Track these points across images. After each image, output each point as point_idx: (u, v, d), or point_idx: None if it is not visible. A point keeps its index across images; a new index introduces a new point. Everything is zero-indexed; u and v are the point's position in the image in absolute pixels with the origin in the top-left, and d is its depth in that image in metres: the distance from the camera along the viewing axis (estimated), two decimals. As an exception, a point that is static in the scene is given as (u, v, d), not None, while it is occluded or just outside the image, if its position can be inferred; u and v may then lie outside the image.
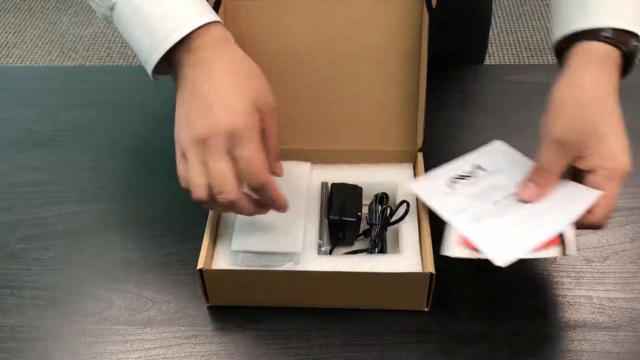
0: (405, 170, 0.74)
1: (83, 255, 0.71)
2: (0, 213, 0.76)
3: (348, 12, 0.69)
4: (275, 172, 0.65)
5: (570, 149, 0.60)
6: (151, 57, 0.60)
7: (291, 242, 0.65)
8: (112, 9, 0.61)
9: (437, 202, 0.66)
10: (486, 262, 0.69)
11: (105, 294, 0.67)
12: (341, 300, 0.65)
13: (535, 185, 0.62)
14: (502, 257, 0.59)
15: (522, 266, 0.68)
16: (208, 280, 0.63)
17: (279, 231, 0.67)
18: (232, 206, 0.59)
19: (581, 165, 0.60)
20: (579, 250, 0.70)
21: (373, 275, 0.62)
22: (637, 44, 0.61)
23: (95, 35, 2.35)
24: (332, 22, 0.69)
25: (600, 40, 0.60)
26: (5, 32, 2.38)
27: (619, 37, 0.60)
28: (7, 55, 2.28)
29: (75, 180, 0.79)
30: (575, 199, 0.62)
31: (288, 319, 0.64)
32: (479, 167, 0.70)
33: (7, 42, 2.33)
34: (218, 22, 0.61)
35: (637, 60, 0.62)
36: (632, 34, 0.60)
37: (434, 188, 0.68)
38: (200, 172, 0.58)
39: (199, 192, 0.58)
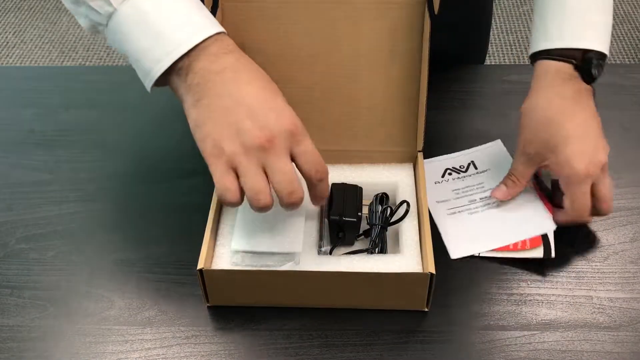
0: (406, 170, 0.74)
1: (83, 255, 0.71)
2: (1, 213, 0.76)
3: (348, 14, 0.69)
4: None
5: (534, 160, 0.70)
6: (159, 64, 0.57)
7: (291, 242, 0.65)
8: (110, 17, 0.59)
9: (427, 188, 0.73)
10: (485, 263, 0.69)
11: (105, 294, 0.67)
12: (341, 300, 0.65)
13: (505, 186, 0.72)
14: (456, 251, 0.70)
15: (521, 267, 0.69)
16: (208, 280, 0.63)
17: (279, 231, 0.67)
18: (297, 204, 0.58)
19: (549, 171, 0.71)
20: (579, 250, 0.70)
21: (373, 275, 0.62)
22: (591, 54, 0.69)
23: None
24: (331, 23, 0.69)
25: (552, 59, 0.70)
26: (5, 32, 2.38)
27: (569, 54, 0.69)
28: (7, 55, 2.28)
29: (75, 180, 0.79)
30: (535, 223, 0.71)
31: (288, 319, 0.64)
32: (473, 164, 0.79)
33: (7, 42, 2.33)
34: (225, 32, 0.60)
35: (598, 66, 0.69)
36: (585, 49, 0.69)
37: (429, 174, 0.76)
38: (263, 178, 0.56)
39: (266, 199, 0.56)
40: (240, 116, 0.56)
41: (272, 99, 0.58)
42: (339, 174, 0.74)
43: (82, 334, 0.64)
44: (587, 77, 0.70)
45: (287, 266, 0.64)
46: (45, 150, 0.83)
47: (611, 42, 2.24)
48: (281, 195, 0.57)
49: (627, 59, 2.16)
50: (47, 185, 0.79)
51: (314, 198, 0.62)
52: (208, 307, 0.66)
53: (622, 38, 2.24)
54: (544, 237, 0.70)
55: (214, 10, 0.67)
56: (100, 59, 2.26)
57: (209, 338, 0.64)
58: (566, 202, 0.68)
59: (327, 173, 0.60)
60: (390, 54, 0.70)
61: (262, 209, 0.57)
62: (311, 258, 0.65)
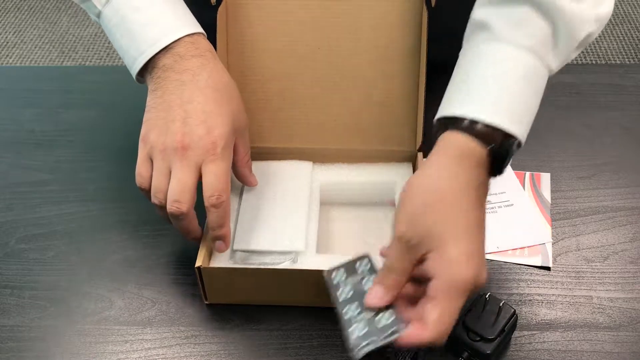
0: (405, 169, 0.74)
1: (83, 255, 0.71)
2: (0, 213, 0.76)
3: (348, 12, 0.69)
4: (250, 182, 0.70)
5: (415, 249, 0.51)
6: (135, 63, 0.62)
7: (293, 240, 0.66)
8: (99, 16, 0.64)
9: None
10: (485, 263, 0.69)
11: (105, 294, 0.67)
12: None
13: (382, 286, 0.53)
14: None
15: (521, 266, 0.69)
16: (206, 278, 0.63)
17: (281, 230, 0.67)
18: (180, 218, 0.60)
19: (423, 267, 0.51)
20: (579, 250, 0.70)
21: (373, 275, 0.62)
22: (511, 141, 0.53)
23: (95, 35, 2.35)
24: (332, 21, 0.69)
25: (465, 132, 0.53)
26: (5, 32, 2.38)
27: (486, 132, 0.53)
28: (7, 55, 2.28)
29: (75, 180, 0.79)
30: (533, 233, 0.70)
31: (288, 318, 0.64)
32: None
33: (7, 42, 2.33)
34: (202, 33, 0.64)
35: (509, 159, 0.55)
36: (504, 132, 0.53)
37: None
38: (165, 177, 0.60)
39: (159, 196, 0.60)
40: (175, 116, 0.60)
41: (214, 112, 0.60)
42: (338, 173, 0.74)
43: (82, 334, 0.64)
44: (497, 169, 0.54)
45: (285, 265, 0.64)
46: (45, 150, 0.83)
47: (611, 42, 2.24)
48: (167, 201, 0.59)
49: (627, 59, 2.15)
50: (47, 185, 0.79)
51: (209, 228, 0.62)
52: (208, 307, 0.66)
53: (622, 38, 2.24)
54: (543, 246, 0.70)
55: (217, 5, 0.68)
56: (100, 59, 2.26)
57: (209, 338, 0.64)
58: (432, 313, 0.49)
59: (224, 203, 0.60)
60: (389, 51, 0.70)
61: (156, 206, 0.61)
62: (310, 256, 0.65)
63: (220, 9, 0.68)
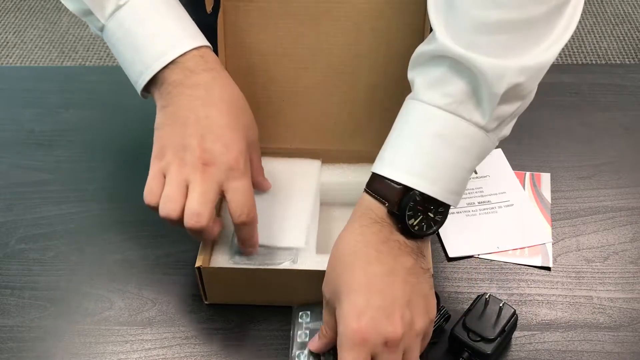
0: (405, 170, 0.74)
1: (83, 255, 0.71)
2: (0, 213, 0.76)
3: (349, 14, 0.69)
4: (264, 187, 0.69)
5: (330, 304, 0.55)
6: (141, 77, 0.61)
7: (294, 237, 0.66)
8: (102, 30, 0.63)
9: None
10: (485, 263, 0.69)
11: (105, 294, 0.67)
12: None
13: (318, 336, 0.58)
14: (454, 250, 0.70)
15: (521, 267, 0.69)
16: (206, 278, 0.63)
17: (283, 226, 0.67)
18: (200, 233, 0.58)
19: None
20: (579, 250, 0.70)
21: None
22: (411, 194, 0.54)
23: (96, 35, 2.35)
24: (332, 23, 0.69)
25: (367, 190, 0.56)
26: (5, 32, 2.38)
27: (385, 187, 0.55)
28: (7, 55, 2.28)
29: (75, 180, 0.79)
30: (533, 233, 0.71)
31: (288, 318, 0.64)
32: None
33: (7, 42, 2.33)
34: (209, 46, 0.62)
35: (425, 219, 0.55)
36: (406, 188, 0.54)
37: None
38: (180, 188, 0.57)
39: (173, 209, 0.57)
40: (192, 133, 0.58)
41: (230, 128, 0.59)
42: (339, 174, 0.74)
43: (82, 334, 0.64)
44: (403, 229, 0.55)
45: (285, 265, 0.64)
46: (45, 150, 0.83)
47: (611, 42, 2.24)
48: (186, 213, 0.57)
49: (627, 59, 2.15)
50: (47, 185, 0.79)
51: (239, 242, 0.62)
52: (208, 307, 0.66)
53: (622, 38, 2.24)
54: (543, 246, 0.70)
55: (215, 11, 0.67)
56: (100, 59, 2.26)
57: (209, 338, 0.64)
58: None
59: (253, 219, 0.60)
60: (390, 53, 0.70)
61: (165, 218, 0.58)
62: (310, 256, 0.65)
63: (218, 13, 0.68)
